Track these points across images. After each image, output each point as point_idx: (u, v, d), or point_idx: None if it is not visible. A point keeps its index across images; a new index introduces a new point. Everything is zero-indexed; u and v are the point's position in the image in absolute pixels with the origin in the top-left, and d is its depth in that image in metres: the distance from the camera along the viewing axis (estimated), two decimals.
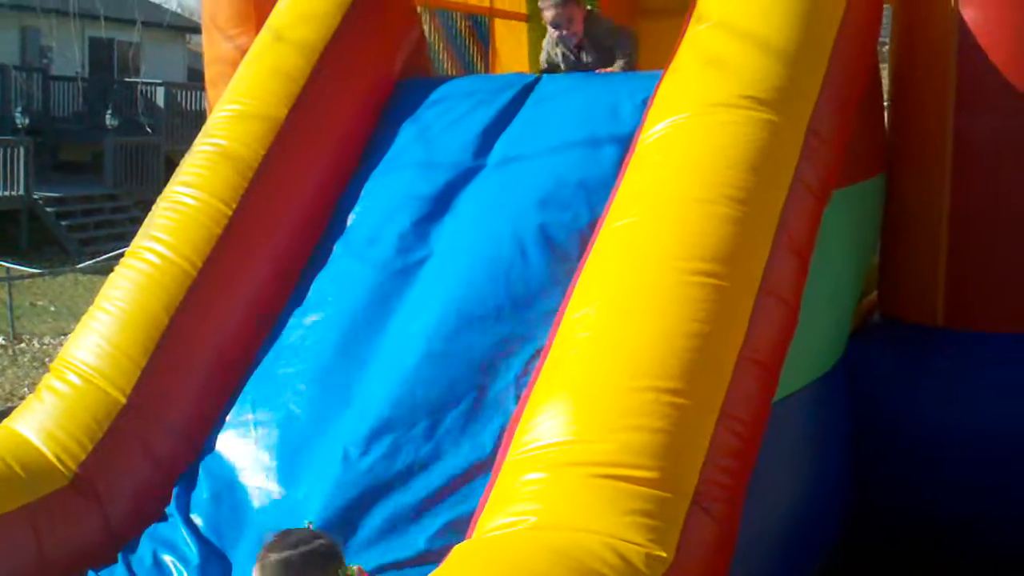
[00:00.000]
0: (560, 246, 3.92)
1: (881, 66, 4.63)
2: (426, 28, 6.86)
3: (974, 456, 4.40)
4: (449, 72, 6.99)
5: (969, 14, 4.38)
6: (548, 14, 4.71)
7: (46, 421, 3.91)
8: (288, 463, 3.74)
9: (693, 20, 4.01)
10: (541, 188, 4.08)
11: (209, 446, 3.93)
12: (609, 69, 4.68)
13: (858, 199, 4.41)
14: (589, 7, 4.86)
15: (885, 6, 4.59)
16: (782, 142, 3.58)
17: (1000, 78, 4.36)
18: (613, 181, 3.83)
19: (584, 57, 4.79)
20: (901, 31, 4.77)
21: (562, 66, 4.88)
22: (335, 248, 4.39)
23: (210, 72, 5.87)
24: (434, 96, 4.76)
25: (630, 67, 4.68)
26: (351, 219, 4.46)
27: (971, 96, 4.44)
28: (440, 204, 4.27)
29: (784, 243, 3.43)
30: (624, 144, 4.01)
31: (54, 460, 3.81)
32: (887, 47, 5.09)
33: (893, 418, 4.55)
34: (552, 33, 4.78)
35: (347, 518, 3.48)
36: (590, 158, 4.12)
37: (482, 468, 3.46)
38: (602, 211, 3.73)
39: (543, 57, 4.95)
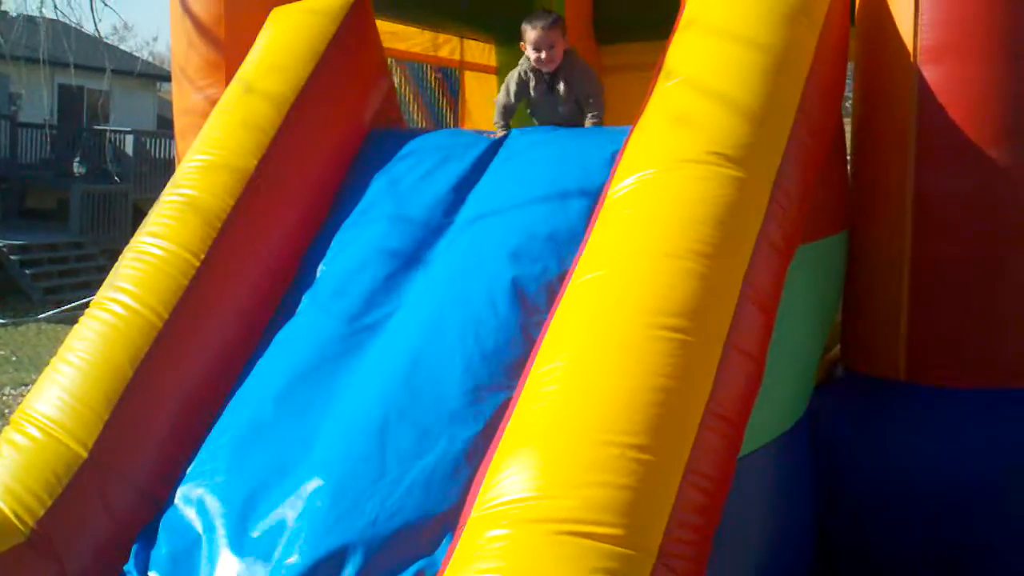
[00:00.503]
0: (530, 299, 3.92)
1: (844, 120, 4.70)
2: (397, 80, 6.91)
3: (934, 509, 4.41)
4: (419, 123, 7.04)
5: (929, 70, 4.45)
6: (532, 35, 4.73)
7: (4, 476, 3.84)
8: (249, 516, 3.68)
9: (661, 77, 4.05)
10: (512, 241, 4.10)
11: (170, 501, 3.87)
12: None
13: (822, 254, 4.45)
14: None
15: (848, 62, 4.66)
16: (748, 198, 3.61)
17: (960, 133, 4.40)
18: (582, 234, 3.85)
19: (559, 89, 4.83)
20: (863, 86, 4.84)
21: (533, 93, 4.89)
22: (303, 300, 4.38)
23: (180, 123, 5.86)
24: (405, 149, 4.79)
25: (599, 123, 4.74)
26: (320, 271, 4.46)
27: (931, 151, 4.49)
28: (409, 259, 4.28)
29: (750, 298, 3.44)
30: (593, 197, 4.04)
31: (11, 516, 3.74)
32: (849, 101, 5.15)
33: (855, 472, 4.56)
34: (531, 55, 4.80)
35: (313, 574, 3.44)
36: (559, 211, 4.15)
37: (448, 522, 3.43)
38: (571, 264, 3.75)
39: (514, 75, 4.91)
